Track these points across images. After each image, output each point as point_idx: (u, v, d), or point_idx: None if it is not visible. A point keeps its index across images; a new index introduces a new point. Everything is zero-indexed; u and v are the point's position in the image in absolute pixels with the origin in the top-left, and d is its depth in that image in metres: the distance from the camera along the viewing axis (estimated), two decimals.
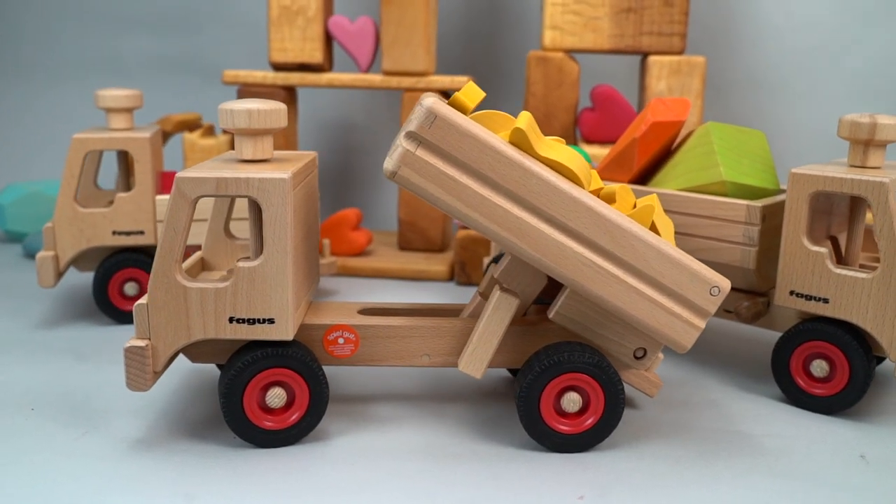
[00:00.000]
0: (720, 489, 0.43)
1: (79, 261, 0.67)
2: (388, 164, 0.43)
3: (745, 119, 0.91)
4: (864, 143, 0.51)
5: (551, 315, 0.47)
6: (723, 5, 0.92)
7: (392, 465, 0.44)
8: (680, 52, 0.79)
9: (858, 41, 0.90)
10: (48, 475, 0.43)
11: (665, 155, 0.62)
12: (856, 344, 0.50)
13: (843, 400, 0.51)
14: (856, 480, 0.44)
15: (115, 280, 0.65)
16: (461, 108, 0.45)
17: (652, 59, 0.78)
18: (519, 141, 0.44)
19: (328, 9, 0.84)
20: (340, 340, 0.49)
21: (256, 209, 0.48)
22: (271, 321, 0.44)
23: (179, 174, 0.43)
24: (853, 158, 0.52)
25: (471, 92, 0.45)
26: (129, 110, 0.66)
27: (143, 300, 0.45)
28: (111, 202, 0.71)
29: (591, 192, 0.45)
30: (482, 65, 0.98)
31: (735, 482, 0.44)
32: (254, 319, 0.44)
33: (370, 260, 0.82)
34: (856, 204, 0.54)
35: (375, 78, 0.83)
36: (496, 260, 0.70)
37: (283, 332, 0.45)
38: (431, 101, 0.42)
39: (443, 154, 0.43)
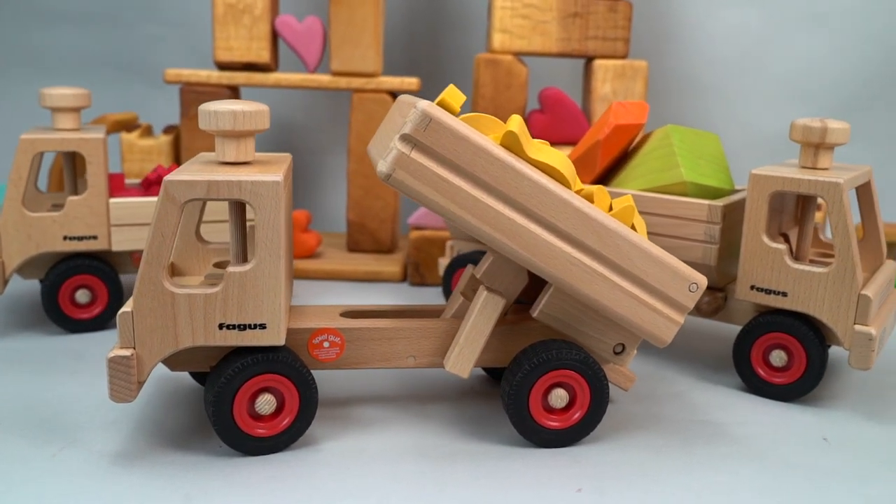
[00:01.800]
0: (704, 476, 0.45)
1: (23, 267, 0.64)
2: (383, 166, 0.43)
3: (680, 121, 0.95)
4: (816, 145, 0.55)
5: (535, 314, 0.48)
6: (657, 13, 0.95)
7: (388, 467, 0.45)
8: (623, 57, 0.81)
9: (785, 48, 0.95)
10: (32, 496, 0.41)
11: (622, 156, 0.65)
12: (812, 334, 0.54)
13: (801, 387, 0.55)
14: (823, 462, 0.47)
15: (65, 287, 0.63)
16: (448, 111, 0.45)
17: (597, 62, 0.81)
18: (510, 144, 0.44)
19: (274, 8, 0.83)
20: (326, 344, 0.48)
21: (239, 213, 0.47)
22: (263, 326, 0.44)
23: (168, 177, 0.42)
24: (804, 160, 0.56)
25: (454, 95, 0.46)
26: (76, 110, 0.63)
27: (126, 308, 0.43)
28: (55, 206, 0.68)
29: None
30: (424, 66, 0.98)
31: (716, 468, 0.46)
32: (245, 325, 0.44)
33: (322, 262, 0.82)
34: (806, 203, 0.57)
35: (324, 78, 0.82)
36: (459, 261, 0.70)
37: (275, 337, 0.44)
38: (426, 104, 0.43)
39: (437, 157, 0.43)
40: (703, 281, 0.47)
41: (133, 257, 0.67)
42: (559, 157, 0.46)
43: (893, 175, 0.98)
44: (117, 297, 0.64)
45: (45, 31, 1.00)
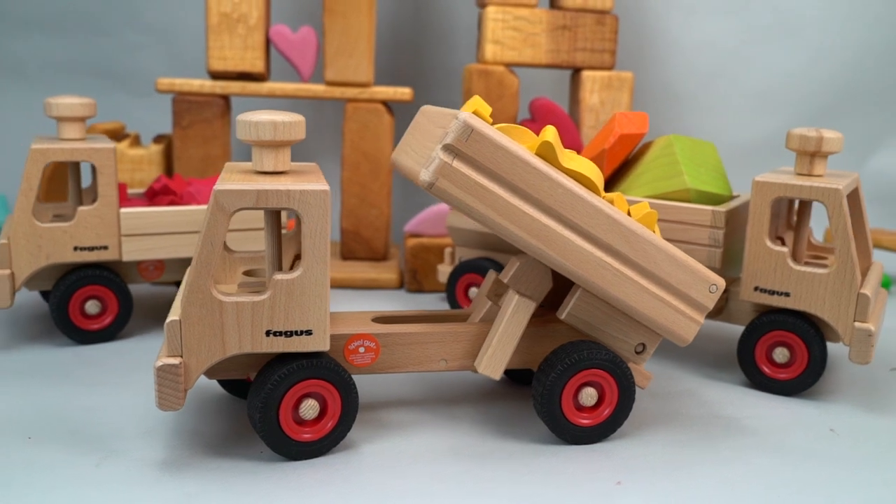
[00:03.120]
0: (733, 467, 0.47)
1: (31, 278, 0.63)
2: (425, 175, 0.44)
3: (658, 131, 0.98)
4: (811, 154, 0.58)
5: (563, 316, 0.50)
6: (635, 26, 0.99)
7: (431, 468, 0.46)
8: (610, 68, 0.84)
9: (759, 59, 1.00)
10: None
11: (623, 165, 0.67)
12: (813, 332, 0.57)
13: (803, 382, 0.58)
14: (835, 451, 0.50)
15: (75, 298, 0.62)
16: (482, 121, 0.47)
17: (585, 73, 0.83)
18: (546, 153, 0.46)
19: (268, 18, 0.83)
20: (361, 349, 0.49)
21: (274, 221, 0.48)
22: (309, 332, 0.45)
23: (218, 187, 0.43)
24: (800, 167, 0.59)
25: (483, 105, 0.48)
26: (82, 119, 0.63)
27: (174, 316, 0.44)
28: (56, 216, 0.67)
29: None
30: (409, 76, 1.00)
31: (741, 459, 0.48)
32: (291, 332, 0.44)
33: None
34: (803, 208, 0.60)
35: (318, 88, 0.83)
36: (462, 268, 0.72)
37: (321, 343, 0.45)
38: (467, 115, 0.44)
39: (477, 166, 0.45)
40: (721, 282, 0.50)
41: (139, 267, 0.66)
42: (589, 166, 0.48)
43: (864, 182, 1.03)
44: (127, 307, 0.64)
45: (23, 39, 0.98)
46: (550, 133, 0.47)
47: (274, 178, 0.46)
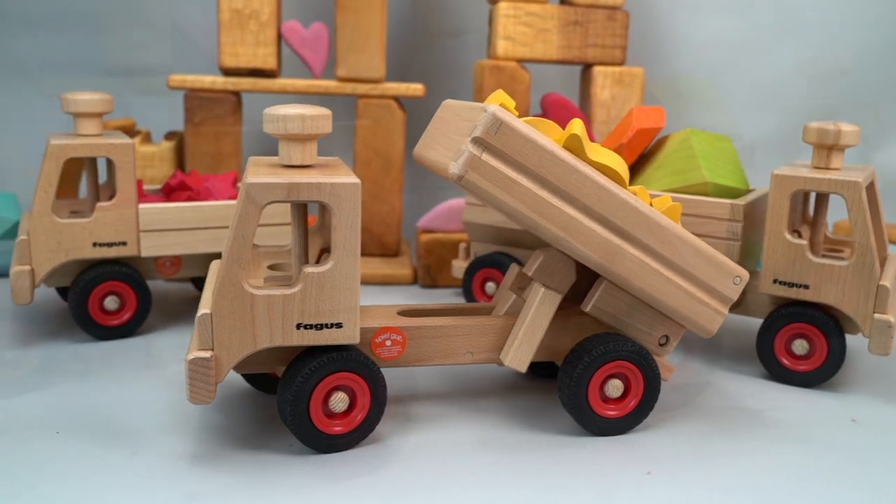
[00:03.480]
0: (755, 458, 0.48)
1: (50, 275, 0.63)
2: (455, 168, 0.45)
3: (666, 127, 0.98)
4: (829, 147, 0.58)
5: (588, 308, 0.50)
6: (643, 24, 0.99)
7: (461, 460, 0.46)
8: (621, 63, 0.85)
9: (759, 58, 1.00)
10: (133, 499, 0.41)
11: (639, 159, 0.67)
12: (832, 324, 0.57)
13: (822, 374, 0.58)
14: (857, 441, 0.50)
15: (94, 294, 0.62)
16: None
17: (596, 69, 0.84)
18: (573, 146, 0.47)
19: (279, 14, 0.83)
20: (388, 343, 0.50)
21: (301, 215, 0.48)
22: (339, 325, 0.45)
23: (249, 180, 0.43)
24: (817, 161, 0.59)
25: (506, 99, 0.48)
26: (99, 115, 0.63)
27: (205, 310, 0.44)
28: (72, 212, 0.67)
29: None
30: (419, 72, 1.00)
31: (764, 450, 0.49)
32: (321, 325, 0.45)
33: None
34: (820, 201, 0.61)
35: (330, 84, 0.83)
36: (479, 263, 0.72)
37: (351, 335, 0.45)
38: (496, 108, 0.45)
39: (506, 159, 0.45)
40: (745, 274, 0.50)
41: (156, 263, 0.66)
42: (615, 159, 0.48)
43: None
44: (146, 303, 0.64)
45: (26, 38, 0.97)
46: (578, 126, 0.47)
47: (302, 171, 0.46)
